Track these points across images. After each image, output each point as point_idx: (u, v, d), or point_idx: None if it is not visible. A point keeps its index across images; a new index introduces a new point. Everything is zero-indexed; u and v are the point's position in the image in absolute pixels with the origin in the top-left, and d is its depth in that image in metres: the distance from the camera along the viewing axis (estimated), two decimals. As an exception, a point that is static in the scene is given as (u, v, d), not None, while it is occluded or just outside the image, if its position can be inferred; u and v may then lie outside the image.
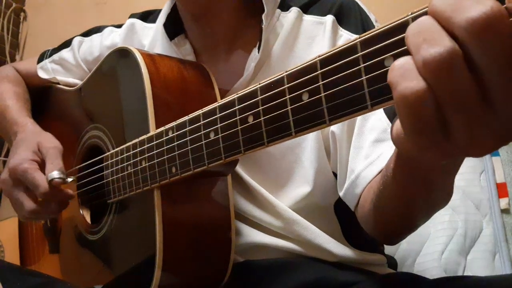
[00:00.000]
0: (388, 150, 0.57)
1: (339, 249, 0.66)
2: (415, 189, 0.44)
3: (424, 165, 0.39)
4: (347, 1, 0.70)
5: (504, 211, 1.06)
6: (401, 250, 1.05)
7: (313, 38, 0.68)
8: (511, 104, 0.26)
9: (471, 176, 1.09)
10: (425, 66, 0.26)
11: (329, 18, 0.67)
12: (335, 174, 0.67)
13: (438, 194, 0.47)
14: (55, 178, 0.65)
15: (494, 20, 0.24)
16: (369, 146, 0.60)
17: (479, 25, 0.24)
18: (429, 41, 0.26)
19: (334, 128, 0.64)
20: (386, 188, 0.48)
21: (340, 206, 0.67)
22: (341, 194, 0.64)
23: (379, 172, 0.57)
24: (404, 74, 0.27)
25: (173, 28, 0.75)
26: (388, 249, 0.99)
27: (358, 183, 0.59)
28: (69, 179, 0.68)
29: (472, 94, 0.26)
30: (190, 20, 0.74)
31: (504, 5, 0.25)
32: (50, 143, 0.71)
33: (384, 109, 0.61)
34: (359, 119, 0.62)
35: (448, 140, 0.28)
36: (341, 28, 0.67)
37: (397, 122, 0.31)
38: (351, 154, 0.62)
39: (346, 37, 0.66)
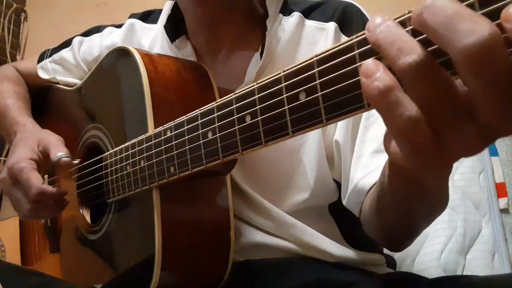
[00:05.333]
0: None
1: (338, 249, 0.66)
2: (411, 195, 0.44)
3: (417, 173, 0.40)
4: (349, 7, 0.69)
5: (503, 211, 1.06)
6: (400, 250, 1.05)
7: (315, 44, 0.68)
8: (495, 112, 0.26)
9: (470, 176, 1.09)
10: (407, 73, 0.27)
11: (332, 25, 0.67)
12: (335, 181, 0.68)
13: (435, 199, 0.47)
14: (62, 157, 0.65)
15: (488, 48, 0.24)
16: (369, 156, 0.60)
17: (472, 53, 0.24)
18: (404, 50, 0.27)
19: (338, 137, 0.64)
20: (383, 194, 0.48)
21: (335, 207, 0.67)
22: (344, 202, 0.64)
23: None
24: (393, 105, 0.28)
25: (174, 29, 0.75)
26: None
27: (357, 192, 0.60)
28: (76, 161, 0.67)
29: (452, 98, 0.27)
30: (196, 23, 0.73)
31: (504, 35, 0.25)
32: (51, 135, 0.72)
33: None
34: (361, 128, 0.63)
35: (443, 151, 0.29)
36: (343, 36, 0.67)
37: (390, 144, 0.32)
38: (352, 162, 0.62)
39: None
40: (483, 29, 0.24)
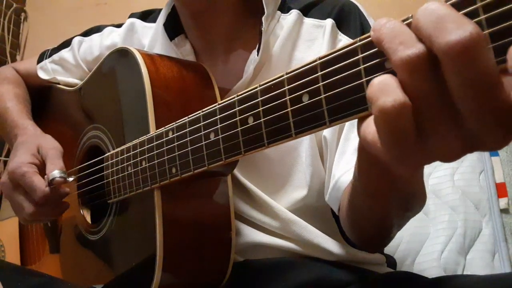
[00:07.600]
0: None
1: (338, 248, 0.67)
2: (383, 187, 0.44)
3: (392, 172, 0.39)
4: (347, 5, 0.69)
5: (504, 211, 1.06)
6: (400, 249, 1.05)
7: (313, 41, 0.68)
8: (475, 118, 0.27)
9: (471, 176, 1.09)
10: (404, 65, 0.28)
11: (329, 22, 0.67)
12: None
13: (408, 192, 0.47)
14: (56, 177, 0.65)
15: (469, 46, 0.25)
16: (351, 153, 0.61)
17: (454, 51, 0.25)
18: (406, 44, 0.28)
19: (326, 133, 0.65)
20: (356, 187, 0.48)
21: None
22: (326, 198, 0.65)
23: None
24: (383, 89, 0.29)
25: (173, 28, 0.75)
26: (387, 248, 0.99)
27: (338, 188, 0.60)
28: (70, 178, 0.68)
29: (441, 98, 0.28)
30: (189, 20, 0.74)
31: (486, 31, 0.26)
32: (50, 144, 0.72)
33: None
34: (347, 125, 0.63)
35: (423, 149, 0.29)
36: (340, 33, 0.67)
37: (369, 132, 0.31)
38: (335, 159, 0.63)
39: (345, 42, 0.66)
40: (465, 29, 0.25)
